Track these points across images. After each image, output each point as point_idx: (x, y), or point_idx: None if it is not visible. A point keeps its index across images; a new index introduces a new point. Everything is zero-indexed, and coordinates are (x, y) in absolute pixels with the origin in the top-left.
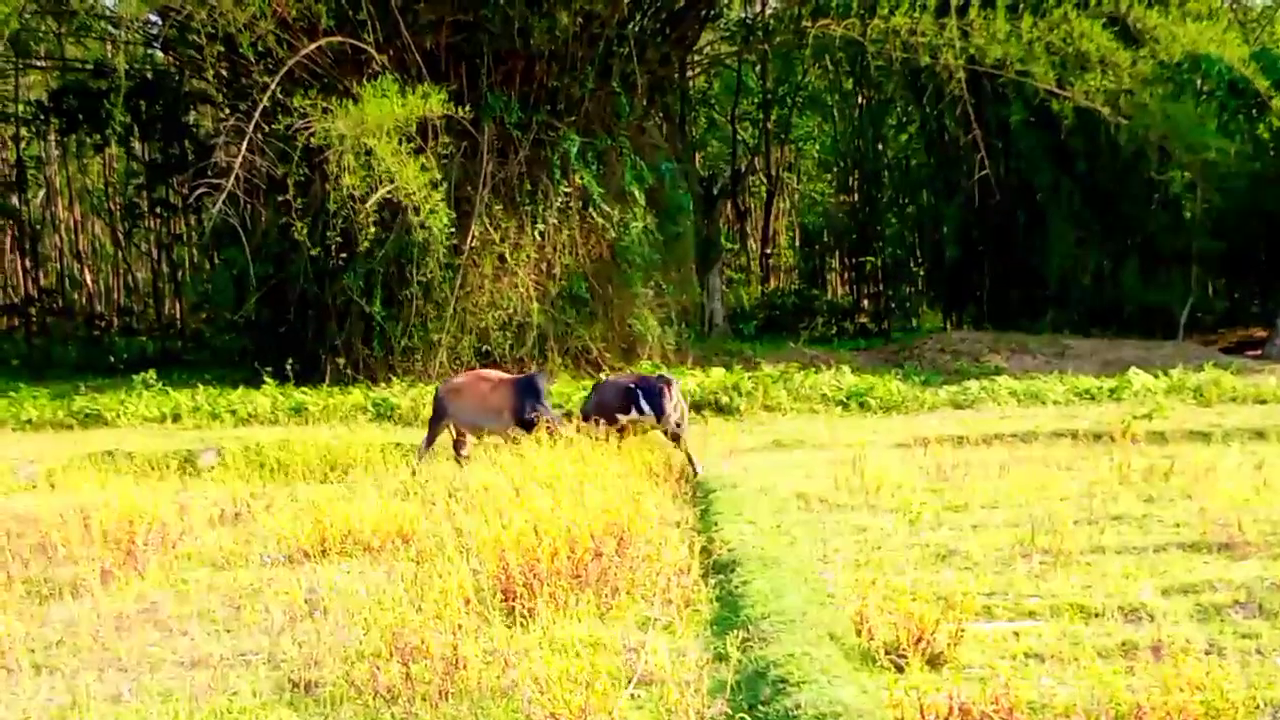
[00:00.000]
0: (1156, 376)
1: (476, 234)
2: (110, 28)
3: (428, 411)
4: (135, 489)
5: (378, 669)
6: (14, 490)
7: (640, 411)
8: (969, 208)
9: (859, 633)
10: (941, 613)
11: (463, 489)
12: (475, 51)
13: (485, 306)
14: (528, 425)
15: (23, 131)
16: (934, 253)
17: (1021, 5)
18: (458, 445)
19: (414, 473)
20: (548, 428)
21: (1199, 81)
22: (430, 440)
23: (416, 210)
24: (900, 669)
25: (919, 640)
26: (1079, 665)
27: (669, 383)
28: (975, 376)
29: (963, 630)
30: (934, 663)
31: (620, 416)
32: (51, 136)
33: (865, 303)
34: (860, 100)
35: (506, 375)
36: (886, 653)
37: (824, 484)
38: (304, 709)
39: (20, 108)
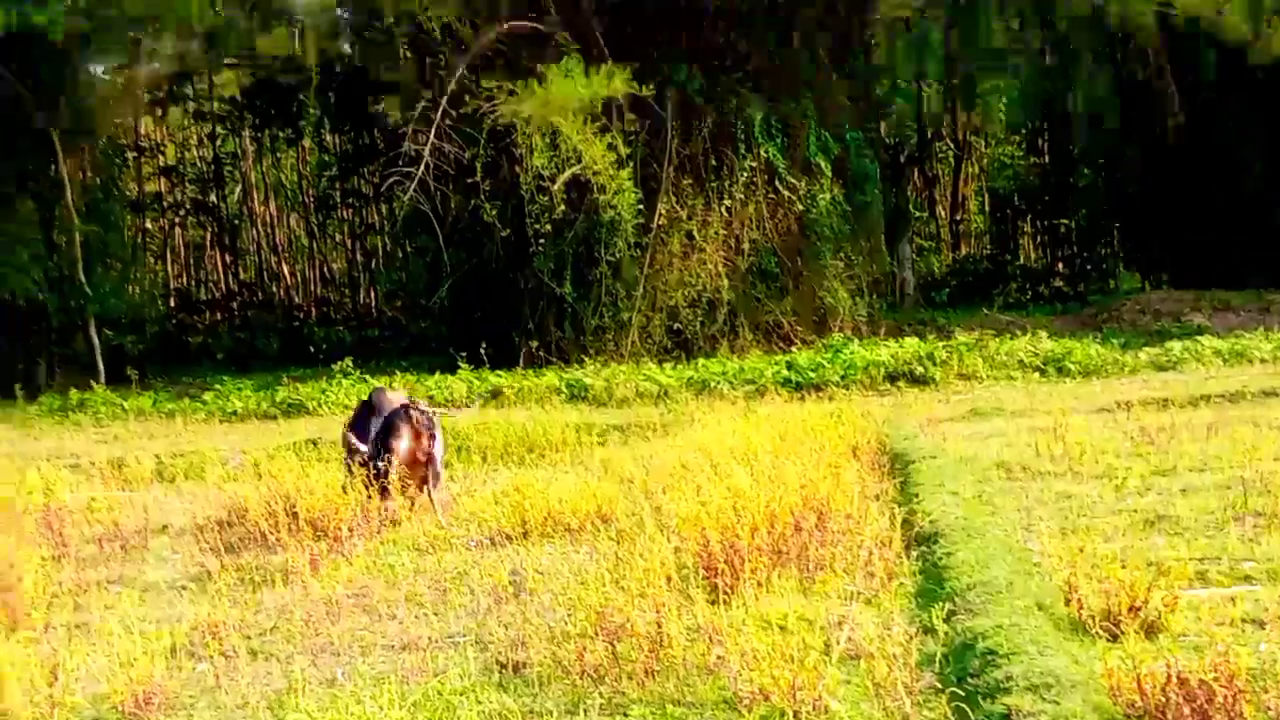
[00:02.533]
0: None
1: (663, 212)
2: (299, 21)
3: (621, 392)
4: (339, 477)
5: (584, 649)
6: (224, 480)
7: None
8: (1164, 160)
9: (1068, 602)
10: (1153, 580)
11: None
12: (658, 21)
13: (675, 285)
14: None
15: (218, 129)
16: (1129, 211)
17: None
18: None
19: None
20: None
21: None
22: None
23: (604, 189)
24: (1114, 638)
25: (1132, 608)
26: None
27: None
28: (1177, 337)
29: (1176, 597)
30: (1148, 631)
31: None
32: (246, 133)
33: (1060, 266)
34: (1047, 56)
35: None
36: (1099, 622)
37: (1025, 452)
38: (512, 690)
39: (215, 106)
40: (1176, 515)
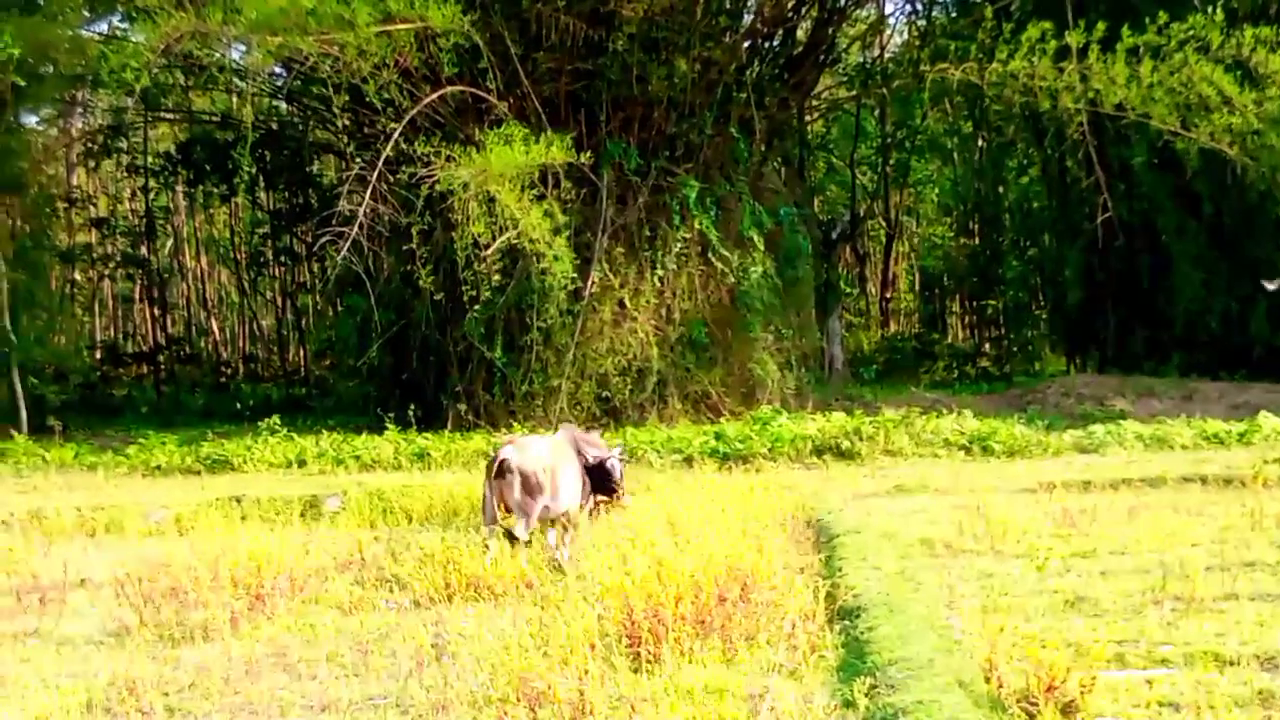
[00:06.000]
0: None
1: (596, 280)
2: (236, 79)
3: None
4: (262, 534)
5: (505, 714)
6: (145, 535)
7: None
8: (1092, 250)
9: (988, 680)
10: (1072, 660)
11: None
12: (594, 99)
13: (605, 352)
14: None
15: (152, 183)
16: (1056, 296)
17: (1142, 49)
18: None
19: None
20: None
21: None
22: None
23: (540, 257)
24: (1032, 717)
25: (1050, 688)
26: (1215, 714)
27: None
28: (1100, 421)
29: (1095, 678)
30: (1066, 711)
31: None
32: (179, 187)
33: (987, 347)
34: (980, 143)
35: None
36: (1017, 701)
37: (948, 529)
38: None
39: (149, 160)
40: (1096, 597)
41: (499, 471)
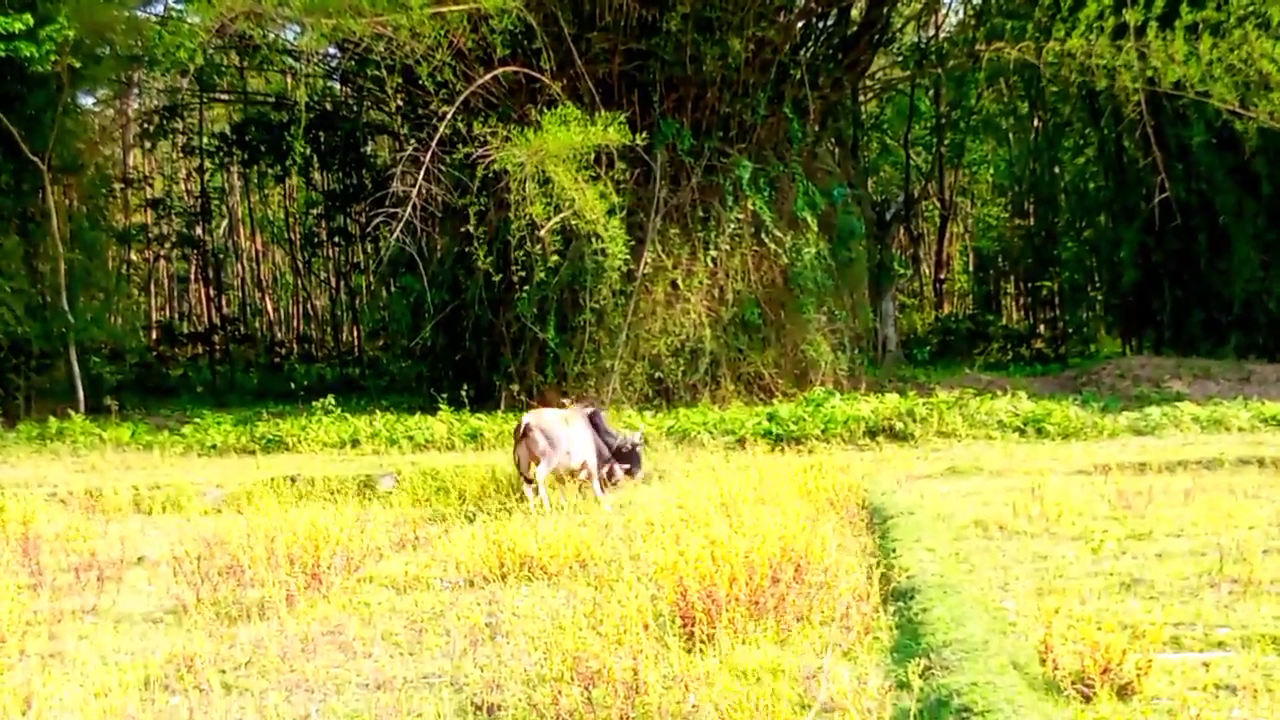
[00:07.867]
0: None
1: (649, 260)
2: (291, 61)
3: None
4: (318, 513)
5: (559, 693)
6: (201, 514)
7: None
8: (1148, 231)
9: (1043, 662)
10: (1128, 642)
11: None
12: (648, 79)
13: (658, 333)
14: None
15: (207, 163)
16: (1112, 277)
17: (1201, 25)
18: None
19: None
20: None
21: None
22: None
23: (595, 238)
24: (1087, 699)
25: (1106, 670)
26: (1272, 697)
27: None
28: (1156, 402)
29: (1151, 660)
30: (1122, 693)
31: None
32: (234, 168)
33: (1041, 328)
34: (1036, 123)
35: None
36: (1072, 683)
37: (1002, 511)
38: None
39: (205, 140)
40: (1152, 579)
41: (524, 433)
